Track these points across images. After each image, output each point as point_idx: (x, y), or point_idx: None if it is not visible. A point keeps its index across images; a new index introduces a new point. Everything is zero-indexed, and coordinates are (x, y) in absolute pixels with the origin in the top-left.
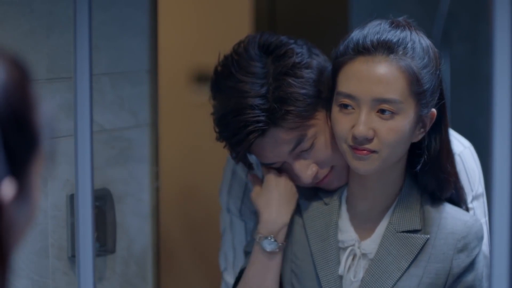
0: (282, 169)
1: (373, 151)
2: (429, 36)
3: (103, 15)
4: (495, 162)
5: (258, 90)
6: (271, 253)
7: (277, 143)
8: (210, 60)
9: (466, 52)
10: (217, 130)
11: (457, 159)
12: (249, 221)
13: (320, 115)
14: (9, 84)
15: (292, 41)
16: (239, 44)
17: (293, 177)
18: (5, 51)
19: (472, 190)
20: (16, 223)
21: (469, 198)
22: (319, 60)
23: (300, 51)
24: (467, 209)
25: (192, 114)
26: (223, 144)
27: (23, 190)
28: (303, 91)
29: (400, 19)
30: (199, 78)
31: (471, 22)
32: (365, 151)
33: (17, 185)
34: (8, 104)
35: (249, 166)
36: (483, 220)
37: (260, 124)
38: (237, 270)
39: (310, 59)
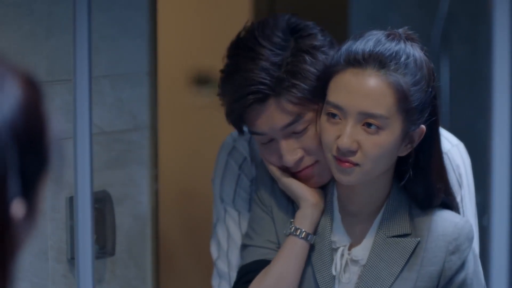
0: (266, 151)
1: (356, 164)
2: (428, 38)
3: (103, 16)
4: (494, 163)
5: (273, 58)
6: (305, 244)
7: (274, 115)
8: (209, 62)
9: (466, 53)
10: (221, 83)
11: (444, 158)
12: (244, 211)
13: (317, 107)
14: (25, 105)
15: (318, 28)
16: (268, 17)
17: (274, 158)
18: (20, 70)
19: (460, 189)
20: (18, 237)
21: (458, 197)
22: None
23: (323, 38)
24: (457, 213)
25: (191, 116)
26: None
27: (30, 209)
28: (315, 71)
29: (400, 30)
30: (199, 80)
31: (471, 23)
32: (347, 163)
33: (26, 206)
34: (23, 125)
35: (240, 130)
36: (474, 221)
37: (264, 87)
38: (231, 259)
39: (329, 48)
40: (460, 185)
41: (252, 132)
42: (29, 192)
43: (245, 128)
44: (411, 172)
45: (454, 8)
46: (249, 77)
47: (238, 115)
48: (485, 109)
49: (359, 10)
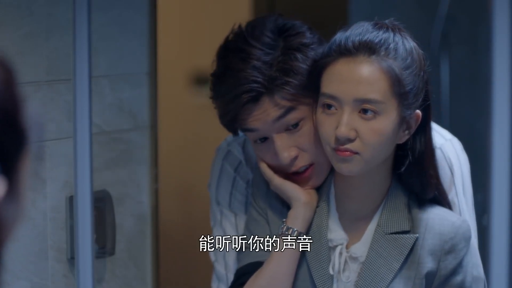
0: (261, 151)
1: (356, 153)
2: (428, 38)
3: (103, 17)
4: (494, 163)
5: (264, 57)
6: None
7: (267, 110)
8: (209, 62)
9: (466, 54)
10: (213, 86)
11: (438, 152)
12: (240, 213)
13: (311, 102)
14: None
15: (306, 26)
16: (256, 18)
17: (269, 156)
18: None
19: (454, 183)
20: (5, 221)
21: (452, 191)
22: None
23: (311, 36)
24: (449, 208)
25: (191, 116)
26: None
27: (12, 188)
28: (306, 68)
29: (386, 21)
30: (198, 80)
31: (470, 24)
32: (347, 152)
33: (7, 184)
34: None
35: (234, 131)
36: (471, 216)
37: (257, 86)
38: (228, 261)
39: (318, 45)
40: (454, 179)
41: (244, 130)
42: (9, 169)
43: (240, 133)
44: (410, 158)
45: (453, 9)
46: (242, 76)
47: (233, 116)
48: (485, 109)
49: (359, 10)
